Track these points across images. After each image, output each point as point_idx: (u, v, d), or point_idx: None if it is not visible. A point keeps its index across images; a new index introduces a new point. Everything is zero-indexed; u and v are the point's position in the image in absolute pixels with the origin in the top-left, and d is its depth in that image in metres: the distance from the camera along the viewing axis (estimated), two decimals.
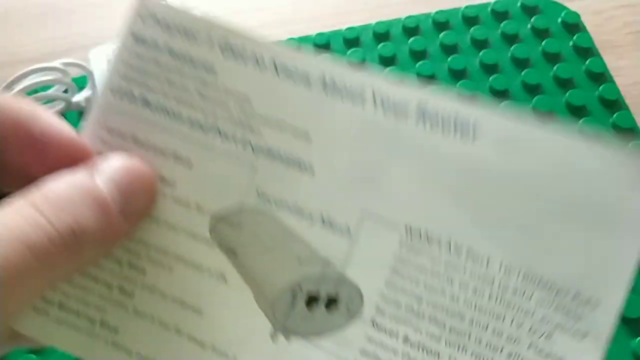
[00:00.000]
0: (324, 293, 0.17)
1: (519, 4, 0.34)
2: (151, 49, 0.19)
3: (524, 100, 0.32)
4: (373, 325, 0.17)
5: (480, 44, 0.33)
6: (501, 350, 0.16)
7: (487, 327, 0.16)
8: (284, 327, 0.17)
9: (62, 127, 0.17)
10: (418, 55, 0.33)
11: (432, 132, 0.17)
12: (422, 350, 0.16)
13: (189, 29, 0.18)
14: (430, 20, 0.34)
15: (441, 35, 0.33)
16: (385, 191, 0.17)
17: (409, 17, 0.34)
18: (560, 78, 0.32)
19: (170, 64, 0.19)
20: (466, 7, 0.35)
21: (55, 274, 0.16)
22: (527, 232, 0.16)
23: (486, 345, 0.16)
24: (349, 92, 0.18)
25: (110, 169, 0.16)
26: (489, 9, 0.34)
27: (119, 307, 0.18)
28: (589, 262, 0.16)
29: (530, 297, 0.16)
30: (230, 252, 0.18)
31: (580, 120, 0.29)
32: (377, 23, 0.34)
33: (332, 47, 0.34)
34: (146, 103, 0.19)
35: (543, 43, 0.33)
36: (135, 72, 0.19)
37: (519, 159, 0.16)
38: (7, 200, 0.15)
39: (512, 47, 0.33)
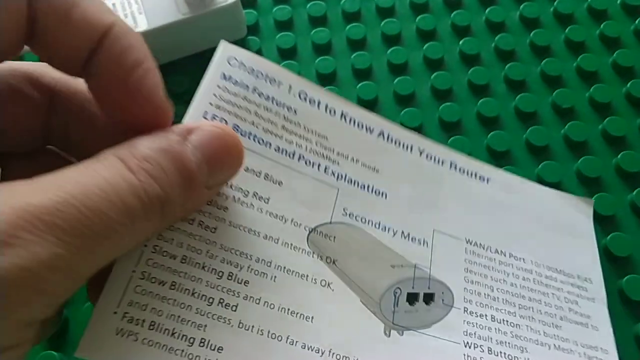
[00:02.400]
0: (420, 291, 0.19)
1: None
2: (239, 85, 0.20)
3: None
4: (465, 311, 0.20)
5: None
6: (554, 316, 0.21)
7: (540, 301, 0.21)
8: (394, 324, 0.18)
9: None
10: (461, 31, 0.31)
11: (460, 174, 0.23)
12: (507, 323, 0.20)
13: (271, 75, 0.21)
14: None
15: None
16: (444, 214, 0.22)
17: None
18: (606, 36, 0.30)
19: (257, 100, 0.21)
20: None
21: (135, 236, 0.15)
22: (535, 241, 0.23)
23: (545, 313, 0.21)
24: (400, 143, 0.23)
25: (202, 138, 0.16)
26: None
27: (222, 322, 0.17)
28: (574, 256, 0.23)
29: (557, 279, 0.22)
30: (330, 260, 0.19)
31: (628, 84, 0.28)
32: None
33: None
34: (237, 128, 0.20)
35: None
36: (225, 103, 0.20)
37: (516, 196, 0.24)
38: (100, 155, 0.14)
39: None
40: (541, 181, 0.26)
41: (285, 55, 0.30)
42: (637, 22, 0.31)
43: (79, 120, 0.17)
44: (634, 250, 0.24)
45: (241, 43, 0.29)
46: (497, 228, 0.23)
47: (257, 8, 0.32)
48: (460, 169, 0.24)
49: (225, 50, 0.21)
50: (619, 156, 0.27)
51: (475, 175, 0.24)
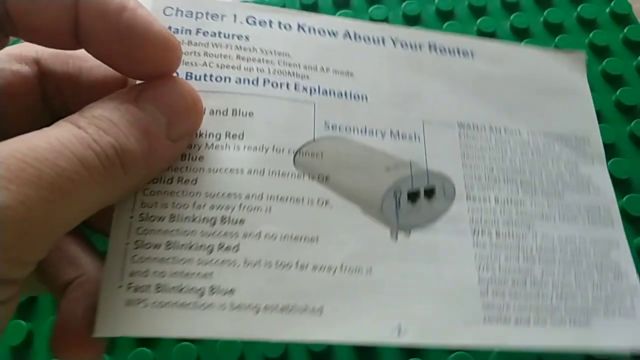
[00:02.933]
0: (420, 187, 0.19)
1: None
2: (180, 33, 0.19)
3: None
4: (468, 198, 0.19)
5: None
6: (556, 185, 0.21)
7: (541, 172, 0.21)
8: (399, 226, 0.18)
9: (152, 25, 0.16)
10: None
11: (442, 54, 0.22)
12: (510, 202, 0.20)
13: (212, 11, 0.20)
14: None
15: None
16: (430, 102, 0.21)
17: None
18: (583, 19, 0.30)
19: (203, 40, 0.20)
20: None
21: (105, 192, 0.15)
22: (529, 108, 0.22)
23: (546, 184, 0.21)
24: (370, 39, 0.21)
25: (154, 92, 0.16)
26: None
27: (227, 266, 0.16)
28: (570, 116, 0.22)
29: (554, 146, 0.21)
30: (322, 178, 0.18)
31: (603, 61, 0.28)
32: None
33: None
34: (190, 75, 0.19)
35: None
36: None
37: (504, 65, 0.23)
38: (57, 122, 0.15)
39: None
40: None
41: None
42: None
43: (69, 78, 0.18)
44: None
45: None
46: (489, 104, 0.21)
47: None
48: (440, 49, 0.22)
49: (156, 2, 0.20)
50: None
51: (458, 51, 0.22)
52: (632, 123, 0.26)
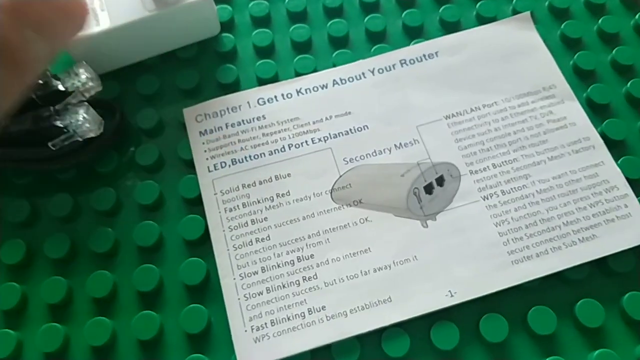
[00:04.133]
0: (431, 179, 0.24)
1: None
2: (214, 132, 0.25)
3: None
4: (471, 173, 0.24)
5: None
6: (538, 134, 0.25)
7: (523, 129, 0.25)
8: (426, 215, 0.23)
9: None
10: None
11: (412, 65, 0.27)
12: (506, 163, 0.24)
13: (230, 105, 0.26)
14: None
15: None
16: (417, 107, 0.26)
17: None
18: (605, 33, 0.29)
19: (232, 131, 0.26)
20: None
21: None
22: (497, 80, 0.26)
23: (530, 137, 0.25)
24: (352, 78, 0.27)
25: None
26: None
27: (313, 291, 0.22)
28: (533, 72, 0.27)
29: (528, 102, 0.26)
30: (357, 202, 0.24)
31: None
32: None
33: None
34: (234, 161, 0.25)
35: None
36: (214, 151, 0.25)
37: (463, 52, 0.27)
38: None
39: None
40: None
41: (262, 54, 0.29)
42: None
43: None
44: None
45: (215, 41, 0.29)
46: (462, 90, 0.26)
47: (231, 3, 0.30)
48: (410, 61, 0.27)
49: (189, 115, 0.26)
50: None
51: (424, 56, 0.27)
52: (629, 83, 0.27)
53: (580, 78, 0.27)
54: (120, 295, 0.23)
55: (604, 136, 0.25)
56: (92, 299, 0.23)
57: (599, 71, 0.28)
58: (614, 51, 0.28)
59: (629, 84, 0.27)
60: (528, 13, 0.28)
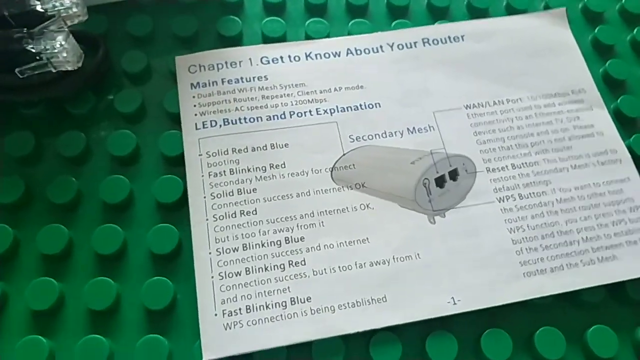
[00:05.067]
0: (444, 171, 0.21)
1: None
2: (208, 85, 0.22)
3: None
4: (488, 171, 0.22)
5: None
6: (563, 139, 0.23)
7: (547, 131, 0.23)
8: (434, 211, 0.21)
9: None
10: None
11: (435, 46, 0.24)
12: (526, 165, 0.22)
13: (229, 60, 0.23)
14: None
15: None
16: (436, 93, 0.23)
17: None
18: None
19: (229, 88, 0.23)
20: None
21: None
22: (524, 75, 0.24)
23: (554, 141, 0.23)
24: (369, 50, 0.24)
25: None
26: None
27: (299, 279, 0.19)
28: (563, 72, 0.25)
29: (554, 104, 0.24)
30: (359, 185, 0.21)
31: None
32: None
33: None
34: (227, 121, 0.22)
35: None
36: (205, 106, 0.22)
37: (491, 39, 0.25)
38: None
39: None
40: None
41: (271, 10, 0.26)
42: None
43: None
44: None
45: None
46: (487, 80, 0.24)
47: None
48: (433, 41, 0.25)
49: (181, 63, 0.23)
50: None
51: (449, 38, 0.25)
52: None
53: (610, 87, 0.25)
54: (75, 255, 0.20)
55: (631, 151, 0.23)
56: (42, 255, 0.20)
57: (630, 83, 0.26)
58: None
59: None
60: (564, 9, 0.26)
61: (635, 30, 0.27)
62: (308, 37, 0.25)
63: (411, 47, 0.24)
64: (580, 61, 0.25)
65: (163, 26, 0.24)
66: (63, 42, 0.20)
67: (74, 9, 0.21)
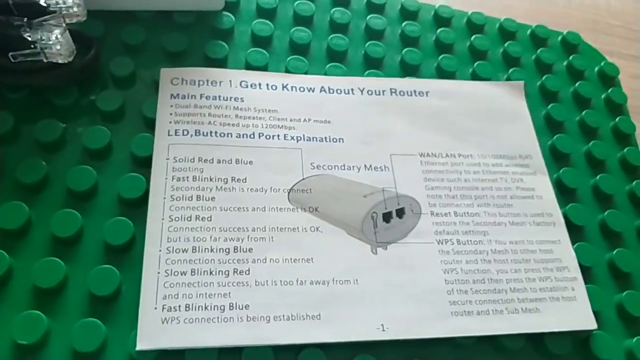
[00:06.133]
0: (392, 208, 0.23)
1: (559, 37, 0.33)
2: (187, 98, 0.24)
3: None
4: (432, 214, 0.23)
5: (512, 61, 0.31)
6: (505, 197, 0.25)
7: (491, 187, 0.25)
8: (378, 242, 0.22)
9: None
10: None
11: (401, 97, 0.26)
12: (467, 215, 0.24)
13: (211, 79, 0.25)
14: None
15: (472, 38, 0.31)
16: (395, 138, 0.25)
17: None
18: (586, 125, 0.29)
19: (206, 103, 0.24)
20: (505, 19, 0.32)
21: None
22: (478, 134, 0.26)
23: (497, 197, 0.25)
24: (341, 90, 0.26)
25: None
26: (529, 32, 0.32)
27: (242, 286, 0.20)
28: (513, 138, 0.27)
29: (502, 164, 0.26)
30: (313, 209, 0.22)
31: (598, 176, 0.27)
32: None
33: None
34: (198, 132, 0.23)
35: (576, 84, 0.31)
36: (181, 116, 0.23)
37: (454, 99, 0.27)
38: None
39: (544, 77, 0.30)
40: None
41: (258, 43, 0.28)
42: None
43: None
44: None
45: (215, 16, 0.28)
46: (444, 134, 0.26)
47: None
48: (400, 92, 0.27)
49: (165, 75, 0.25)
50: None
51: (415, 92, 0.27)
52: (598, 177, 0.27)
53: (555, 158, 0.28)
54: (32, 233, 0.21)
55: (566, 218, 0.25)
56: None
57: (574, 157, 0.28)
58: (590, 144, 0.28)
59: (597, 177, 0.27)
60: (522, 82, 0.29)
61: (584, 112, 0.29)
62: (287, 71, 0.27)
63: (380, 94, 0.26)
64: (530, 130, 0.27)
65: (155, 39, 0.26)
66: (59, 36, 0.22)
67: (75, 9, 0.23)
